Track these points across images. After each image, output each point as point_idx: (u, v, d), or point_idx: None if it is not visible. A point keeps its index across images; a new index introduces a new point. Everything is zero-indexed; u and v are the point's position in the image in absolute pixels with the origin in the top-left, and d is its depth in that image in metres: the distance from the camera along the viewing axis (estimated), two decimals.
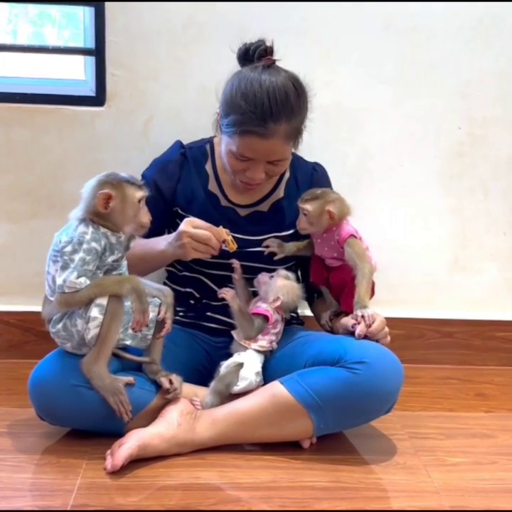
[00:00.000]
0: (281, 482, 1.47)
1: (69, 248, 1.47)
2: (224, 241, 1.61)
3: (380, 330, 1.62)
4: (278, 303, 1.68)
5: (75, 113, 1.92)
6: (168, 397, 1.58)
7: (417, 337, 2.12)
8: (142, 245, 1.66)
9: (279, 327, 1.71)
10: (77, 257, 1.46)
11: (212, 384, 1.62)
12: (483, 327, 2.13)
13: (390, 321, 2.05)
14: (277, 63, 1.66)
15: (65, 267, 1.47)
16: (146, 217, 1.54)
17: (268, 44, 1.66)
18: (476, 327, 2.13)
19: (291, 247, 1.76)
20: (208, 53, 1.87)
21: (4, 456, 1.52)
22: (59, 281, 1.47)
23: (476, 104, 2.00)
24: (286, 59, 1.83)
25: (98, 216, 1.50)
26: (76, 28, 2.05)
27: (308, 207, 1.68)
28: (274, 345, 1.71)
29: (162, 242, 1.65)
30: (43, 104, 1.91)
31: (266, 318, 1.67)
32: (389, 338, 1.65)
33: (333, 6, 1.90)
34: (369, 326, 1.60)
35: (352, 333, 1.61)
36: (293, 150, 1.72)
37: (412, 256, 2.09)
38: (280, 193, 1.80)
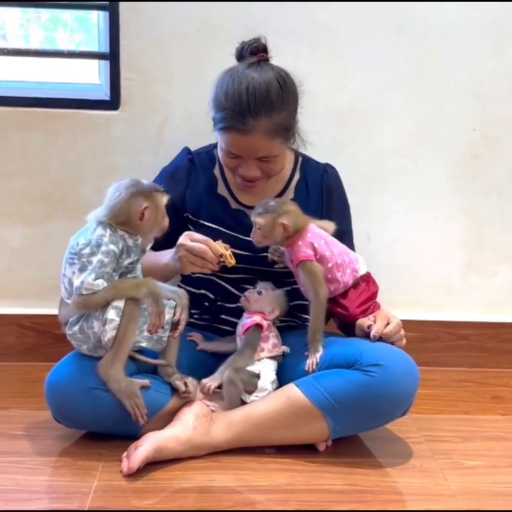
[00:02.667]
0: (298, 485, 1.47)
1: (87, 250, 1.48)
2: (221, 255, 1.59)
3: (395, 332, 1.62)
4: (276, 313, 1.70)
5: (90, 117, 1.92)
6: (183, 397, 1.58)
7: (431, 339, 2.11)
8: (150, 257, 1.66)
9: (275, 330, 1.71)
10: (95, 259, 1.47)
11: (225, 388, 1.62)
12: (498, 329, 2.12)
13: (405, 324, 2.04)
14: (281, 62, 1.66)
15: (82, 269, 1.48)
16: (166, 220, 1.58)
17: (263, 42, 1.66)
18: (491, 329, 2.12)
19: None
20: (221, 57, 1.86)
21: (21, 458, 1.53)
22: (76, 282, 1.48)
23: (489, 106, 1.99)
24: (298, 62, 1.84)
25: (120, 223, 1.51)
26: (88, 32, 2.06)
27: (260, 221, 1.62)
28: (285, 348, 1.71)
29: (167, 255, 1.65)
30: (58, 108, 1.92)
31: (259, 326, 1.67)
32: (404, 340, 1.64)
33: (346, 8, 1.89)
34: (309, 365, 1.60)
35: (368, 335, 1.61)
36: (297, 150, 1.72)
37: (426, 258, 2.08)
38: (290, 194, 1.79)
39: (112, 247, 1.48)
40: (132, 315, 1.50)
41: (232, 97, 1.60)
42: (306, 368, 1.61)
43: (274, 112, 1.60)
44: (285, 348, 1.71)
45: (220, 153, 1.71)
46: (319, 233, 1.65)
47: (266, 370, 1.65)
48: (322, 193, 1.80)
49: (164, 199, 1.55)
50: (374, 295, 1.69)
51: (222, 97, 1.62)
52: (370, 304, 1.67)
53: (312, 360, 1.61)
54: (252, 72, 1.61)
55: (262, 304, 1.70)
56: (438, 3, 1.91)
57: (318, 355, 1.61)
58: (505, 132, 2.01)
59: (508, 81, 1.98)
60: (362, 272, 1.68)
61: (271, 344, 1.68)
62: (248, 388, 1.62)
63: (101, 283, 1.47)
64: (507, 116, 2.00)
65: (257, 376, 1.63)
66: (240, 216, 1.77)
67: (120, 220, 1.51)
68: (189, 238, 1.60)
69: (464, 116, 1.99)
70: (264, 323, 1.68)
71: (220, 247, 1.60)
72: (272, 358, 1.68)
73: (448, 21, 1.93)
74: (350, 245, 1.83)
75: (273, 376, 1.66)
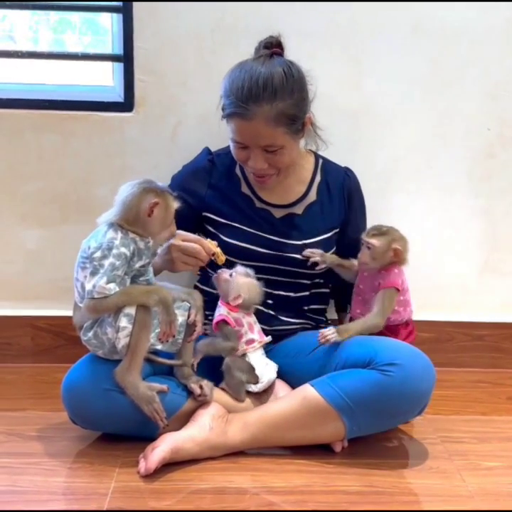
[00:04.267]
0: (315, 486, 1.47)
1: (98, 253, 1.48)
2: (213, 254, 1.63)
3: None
4: (239, 300, 1.67)
5: (104, 119, 1.93)
6: (199, 400, 1.58)
7: (446, 340, 2.10)
8: None
9: (247, 321, 1.68)
10: (106, 263, 1.47)
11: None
12: None
13: (419, 324, 2.04)
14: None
15: (94, 273, 1.48)
16: (175, 227, 1.58)
17: (279, 39, 1.69)
18: (507, 330, 2.10)
19: (334, 259, 1.77)
20: (235, 58, 1.85)
21: (38, 459, 1.54)
22: (88, 286, 1.48)
23: (505, 105, 1.97)
24: (313, 62, 1.83)
25: (131, 223, 1.51)
26: (96, 34, 2.06)
27: (375, 242, 1.67)
28: (264, 338, 1.70)
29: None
30: (73, 110, 1.93)
31: (225, 322, 1.66)
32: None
33: (361, 8, 1.89)
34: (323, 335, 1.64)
35: None
36: (317, 151, 1.73)
37: (441, 258, 2.07)
38: (313, 196, 1.80)
39: (123, 249, 1.48)
40: (143, 322, 1.49)
41: (237, 85, 1.62)
42: (319, 338, 1.63)
43: (277, 100, 1.61)
44: (267, 339, 1.71)
45: (230, 145, 1.72)
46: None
47: (255, 360, 1.66)
48: (343, 196, 1.82)
49: (175, 203, 1.55)
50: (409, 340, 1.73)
51: (228, 86, 1.65)
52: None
53: (327, 335, 1.62)
54: (260, 62, 1.64)
55: (228, 287, 1.68)
56: (453, 3, 1.90)
57: (335, 336, 1.62)
58: None
59: None
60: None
61: (244, 342, 1.67)
62: (250, 380, 1.65)
63: (113, 287, 1.47)
64: None
65: (253, 368, 1.65)
66: (265, 214, 1.78)
67: (130, 216, 1.50)
68: (180, 238, 1.62)
69: (480, 116, 1.98)
70: (230, 317, 1.66)
71: (212, 245, 1.64)
72: (252, 350, 1.68)
73: (463, 21, 1.92)
74: None
75: (263, 361, 1.68)
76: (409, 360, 1.54)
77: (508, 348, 2.11)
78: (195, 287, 1.81)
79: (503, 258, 2.08)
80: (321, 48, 1.90)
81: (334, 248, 1.80)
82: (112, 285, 1.47)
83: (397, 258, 1.68)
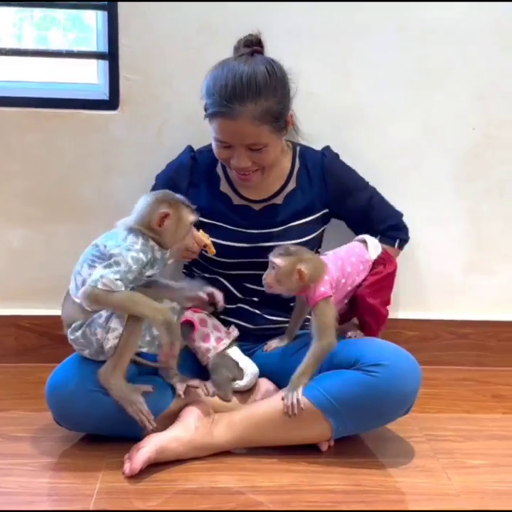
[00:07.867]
0: (301, 486, 1.47)
1: (117, 253, 1.47)
2: (205, 245, 1.64)
3: None
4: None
5: (89, 117, 1.91)
6: (194, 385, 1.60)
7: (432, 338, 2.10)
8: None
9: (212, 322, 1.71)
10: (123, 263, 1.46)
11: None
12: (499, 328, 2.11)
13: (405, 323, 2.05)
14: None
15: (108, 266, 1.46)
16: (191, 240, 1.58)
17: (259, 36, 1.69)
18: (492, 328, 2.11)
19: None
20: (221, 57, 1.85)
21: (22, 460, 1.53)
22: (95, 275, 1.45)
23: (492, 106, 1.97)
24: (300, 62, 1.83)
25: (149, 230, 1.51)
26: (81, 31, 2.05)
27: (278, 261, 1.55)
28: (231, 335, 1.71)
29: None
30: (57, 108, 1.91)
31: (190, 323, 1.68)
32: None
33: (349, 8, 1.89)
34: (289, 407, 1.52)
35: None
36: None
37: (427, 257, 2.07)
38: (292, 184, 1.80)
39: (141, 255, 1.48)
40: (133, 329, 1.49)
41: (220, 84, 1.62)
42: (285, 411, 1.52)
43: (261, 98, 1.60)
44: (234, 333, 1.72)
45: (213, 144, 1.71)
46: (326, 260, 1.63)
47: (234, 355, 1.68)
48: (324, 177, 1.80)
49: (191, 217, 1.54)
50: (390, 276, 1.67)
51: (211, 85, 1.64)
52: (382, 284, 1.66)
53: (290, 402, 1.52)
54: (242, 61, 1.64)
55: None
56: (440, 3, 1.90)
57: (296, 395, 1.52)
58: (506, 132, 1.99)
59: (510, 81, 1.95)
60: (373, 256, 1.67)
61: (213, 341, 1.68)
62: (236, 376, 1.66)
63: (120, 285, 1.45)
64: (509, 115, 1.98)
65: (238, 363, 1.68)
66: (243, 210, 1.78)
67: (144, 225, 1.50)
68: None
69: (467, 115, 1.97)
70: (195, 318, 1.68)
71: (203, 237, 1.65)
72: (228, 347, 1.69)
73: (450, 21, 1.92)
74: (383, 204, 1.88)
75: (243, 357, 1.70)
76: (395, 361, 1.55)
77: (493, 346, 2.12)
78: None
79: (487, 258, 2.08)
80: (308, 48, 1.89)
81: (319, 231, 1.80)
82: (120, 283, 1.45)
83: (302, 281, 1.54)
